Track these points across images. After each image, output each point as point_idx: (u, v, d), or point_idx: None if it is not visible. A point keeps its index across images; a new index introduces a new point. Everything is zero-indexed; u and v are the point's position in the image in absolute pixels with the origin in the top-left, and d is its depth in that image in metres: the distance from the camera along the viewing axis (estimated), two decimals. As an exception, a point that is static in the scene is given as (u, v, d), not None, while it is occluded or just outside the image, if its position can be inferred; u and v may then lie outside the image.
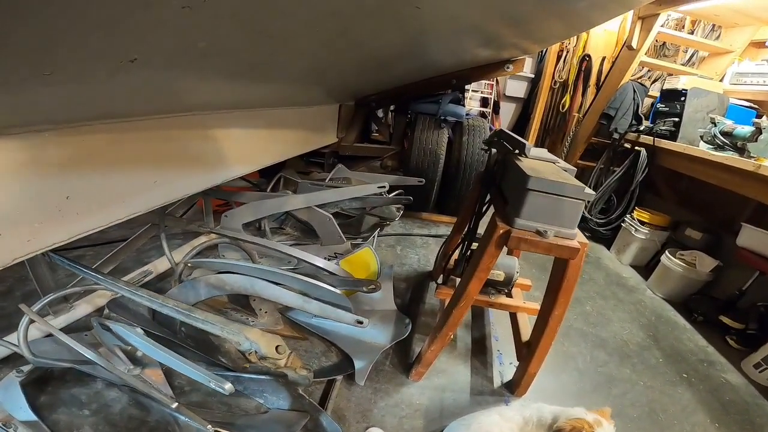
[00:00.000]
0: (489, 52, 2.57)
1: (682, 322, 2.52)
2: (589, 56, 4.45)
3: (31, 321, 1.35)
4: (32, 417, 1.28)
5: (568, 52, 4.63)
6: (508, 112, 6.94)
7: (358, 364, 1.62)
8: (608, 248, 3.51)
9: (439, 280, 1.94)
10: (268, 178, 2.91)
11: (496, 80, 6.66)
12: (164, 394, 1.28)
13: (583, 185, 1.19)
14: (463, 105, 3.28)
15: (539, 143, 5.11)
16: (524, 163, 1.34)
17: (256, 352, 1.36)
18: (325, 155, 3.09)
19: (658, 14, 3.08)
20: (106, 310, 1.65)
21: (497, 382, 1.74)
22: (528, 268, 2.81)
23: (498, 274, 1.66)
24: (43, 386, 1.44)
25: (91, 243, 2.36)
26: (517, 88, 6.54)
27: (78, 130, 1.05)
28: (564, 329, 2.20)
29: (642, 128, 3.51)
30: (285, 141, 2.23)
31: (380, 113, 3.89)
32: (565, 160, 4.30)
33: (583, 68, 4.55)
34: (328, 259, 2.33)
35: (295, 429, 1.31)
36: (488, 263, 1.28)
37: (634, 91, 3.59)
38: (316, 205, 2.27)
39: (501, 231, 1.22)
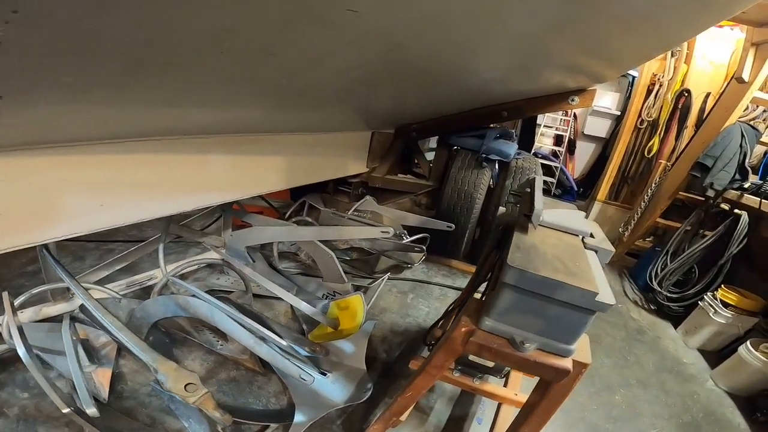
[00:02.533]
0: (549, 79, 2.22)
1: (738, 422, 2.00)
2: (688, 91, 3.73)
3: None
4: None
5: (661, 86, 3.94)
6: (585, 153, 6.24)
7: (298, 416, 1.43)
8: (676, 326, 2.82)
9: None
10: (298, 203, 2.83)
11: (574, 115, 6.05)
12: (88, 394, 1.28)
13: (597, 290, 0.80)
14: (514, 142, 2.90)
15: (614, 193, 4.41)
16: (525, 238, 0.99)
17: (163, 385, 1.22)
18: (351, 184, 2.92)
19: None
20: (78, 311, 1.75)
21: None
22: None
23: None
24: (6, 366, 1.57)
25: (124, 239, 2.59)
26: (598, 126, 5.85)
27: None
28: (572, 420, 1.78)
29: (747, 185, 2.80)
30: (300, 166, 2.10)
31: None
32: (641, 217, 3.67)
33: (679, 106, 3.83)
34: (325, 297, 2.14)
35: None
36: (443, 361, 0.97)
37: (743, 136, 2.89)
38: (319, 240, 2.09)
39: (463, 329, 0.90)
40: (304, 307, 1.75)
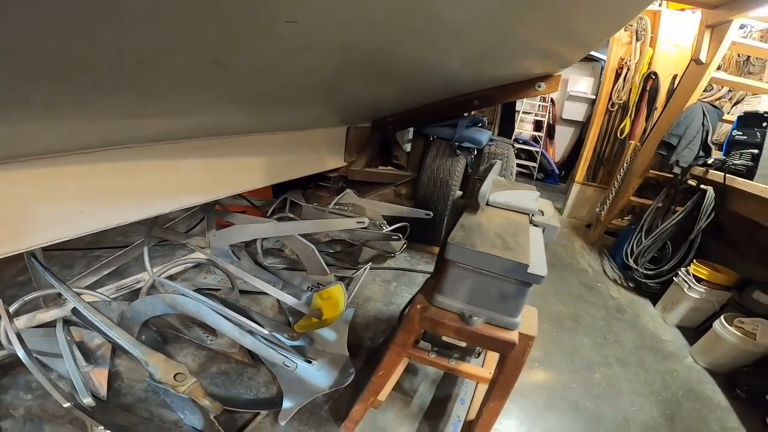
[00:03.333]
0: (514, 66, 2.30)
1: (718, 399, 2.05)
2: (655, 74, 3.86)
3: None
4: None
5: (629, 69, 4.07)
6: (565, 137, 6.38)
7: (286, 402, 1.52)
8: (654, 304, 2.93)
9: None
10: (279, 200, 2.90)
11: (552, 101, 6.17)
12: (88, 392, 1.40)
13: (529, 263, 0.89)
14: (487, 129, 2.99)
15: (591, 175, 4.54)
16: (472, 218, 1.08)
17: (154, 377, 1.31)
18: (331, 178, 2.99)
19: (730, 21, 2.56)
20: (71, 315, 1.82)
21: (440, 456, 1.49)
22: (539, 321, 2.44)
23: (457, 340, 1.40)
24: (7, 371, 1.65)
25: (111, 246, 2.68)
26: (575, 111, 5.99)
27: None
28: (554, 399, 1.86)
29: (711, 161, 2.92)
30: (276, 165, 2.17)
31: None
32: (615, 196, 3.79)
33: (647, 88, 3.96)
34: (309, 289, 2.23)
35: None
36: (405, 339, 1.06)
37: (704, 114, 3.00)
38: (299, 234, 2.17)
39: (418, 306, 0.99)
40: (288, 299, 1.83)
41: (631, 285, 3.17)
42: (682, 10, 3.81)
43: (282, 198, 2.82)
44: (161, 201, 1.58)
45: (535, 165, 6.31)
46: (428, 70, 1.95)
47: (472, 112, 3.06)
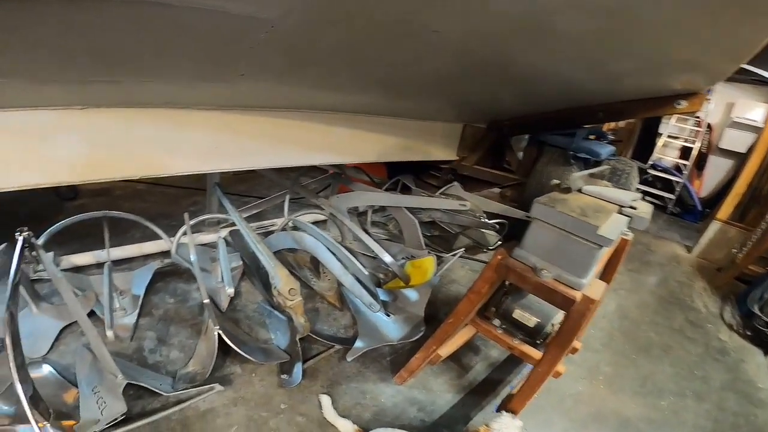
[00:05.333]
0: (645, 78, 2.18)
1: None
2: None
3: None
4: (140, 293, 2.02)
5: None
6: (719, 170, 5.48)
7: (358, 343, 1.80)
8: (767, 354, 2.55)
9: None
10: (393, 180, 3.26)
11: (708, 126, 5.37)
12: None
13: (599, 226, 1.02)
14: (608, 143, 2.88)
15: (740, 213, 3.89)
16: (561, 195, 1.22)
17: (275, 288, 1.68)
18: (442, 170, 3.23)
19: None
20: (229, 237, 2.46)
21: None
22: (621, 343, 2.33)
23: (527, 318, 1.50)
24: (165, 277, 2.22)
25: (256, 196, 3.27)
26: (738, 141, 5.10)
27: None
28: (605, 413, 1.83)
29: None
30: (391, 145, 2.52)
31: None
32: (760, 239, 3.20)
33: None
34: (403, 259, 2.52)
35: (273, 360, 1.70)
36: (481, 287, 1.25)
37: None
38: (406, 208, 2.47)
39: (499, 256, 1.18)
40: (386, 257, 2.12)
41: (748, 333, 2.78)
42: None
43: (395, 179, 3.17)
44: (316, 154, 2.10)
45: (672, 197, 5.58)
46: (547, 78, 2.01)
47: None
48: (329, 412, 1.53)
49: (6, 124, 1.44)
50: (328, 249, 1.96)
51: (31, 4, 0.77)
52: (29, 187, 1.53)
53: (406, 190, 3.20)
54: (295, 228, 2.38)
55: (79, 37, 0.94)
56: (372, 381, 1.73)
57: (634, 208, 1.29)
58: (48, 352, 1.69)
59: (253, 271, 2.30)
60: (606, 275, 1.49)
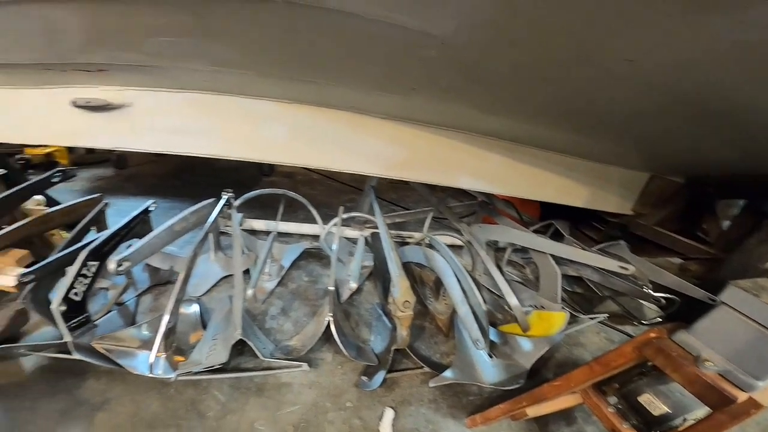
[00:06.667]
0: None
1: None
2: None
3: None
4: (286, 265, 2.42)
5: None
6: None
7: (447, 372, 1.69)
8: None
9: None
10: (544, 223, 2.99)
11: None
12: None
13: None
14: None
15: None
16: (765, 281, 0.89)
17: (392, 295, 1.72)
18: (608, 223, 2.77)
19: None
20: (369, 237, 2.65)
21: None
22: None
23: (655, 405, 1.14)
24: (308, 258, 2.55)
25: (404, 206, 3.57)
26: None
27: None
28: None
29: None
30: (550, 184, 2.30)
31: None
32: None
33: None
34: (531, 306, 2.26)
35: (362, 360, 1.74)
36: (613, 360, 1.01)
37: None
38: (551, 255, 2.22)
39: (652, 334, 0.93)
40: (513, 299, 1.94)
41: None
42: None
43: (548, 222, 2.89)
44: (467, 178, 2.11)
45: None
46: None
47: None
48: (386, 427, 1.51)
49: (239, 108, 1.89)
50: (454, 274, 1.92)
51: (267, 9, 1.00)
52: (245, 160, 1.99)
53: (557, 236, 2.87)
54: (430, 246, 2.41)
55: (293, 40, 1.17)
56: (442, 414, 1.62)
57: None
58: (204, 293, 2.12)
59: (379, 275, 2.42)
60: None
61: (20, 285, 1.52)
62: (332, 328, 1.69)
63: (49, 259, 1.58)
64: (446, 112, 1.78)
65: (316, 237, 2.76)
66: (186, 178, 4.19)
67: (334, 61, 1.32)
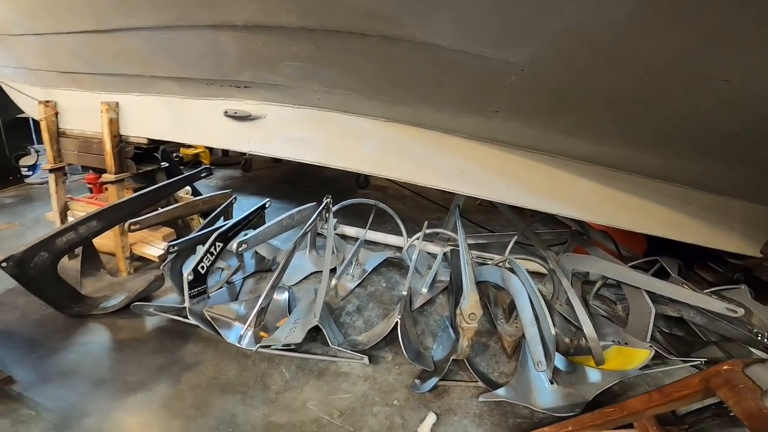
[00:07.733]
0: None
1: None
2: None
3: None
4: (369, 269, 2.67)
5: None
6: None
7: (501, 390, 1.68)
8: None
9: None
10: (648, 259, 2.70)
11: None
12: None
13: None
14: None
15: None
16: None
17: (461, 306, 1.76)
18: (729, 265, 2.38)
19: None
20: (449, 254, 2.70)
21: None
22: None
23: None
24: (389, 266, 2.72)
25: (488, 229, 3.55)
26: None
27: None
28: None
29: None
30: (656, 216, 2.10)
31: None
32: None
33: None
34: (612, 341, 2.07)
35: (419, 364, 1.80)
36: (675, 391, 0.94)
37: None
38: (647, 291, 2.02)
39: (725, 366, 0.85)
40: (589, 329, 1.84)
41: None
42: None
43: (652, 258, 2.60)
44: (554, 203, 2.05)
45: None
46: None
47: None
48: (425, 430, 1.56)
49: (342, 123, 2.17)
50: (529, 297, 1.89)
51: (367, 42, 1.21)
52: (344, 169, 2.25)
53: (662, 274, 2.57)
54: (510, 269, 2.37)
55: (389, 67, 1.37)
56: (483, 429, 1.60)
57: None
58: (295, 284, 2.42)
59: (453, 290, 2.46)
60: None
61: (165, 255, 1.97)
62: (398, 330, 1.80)
63: (190, 236, 2.01)
64: (532, 134, 1.80)
65: (399, 248, 2.93)
66: (294, 182, 4.81)
67: (422, 86, 1.48)
